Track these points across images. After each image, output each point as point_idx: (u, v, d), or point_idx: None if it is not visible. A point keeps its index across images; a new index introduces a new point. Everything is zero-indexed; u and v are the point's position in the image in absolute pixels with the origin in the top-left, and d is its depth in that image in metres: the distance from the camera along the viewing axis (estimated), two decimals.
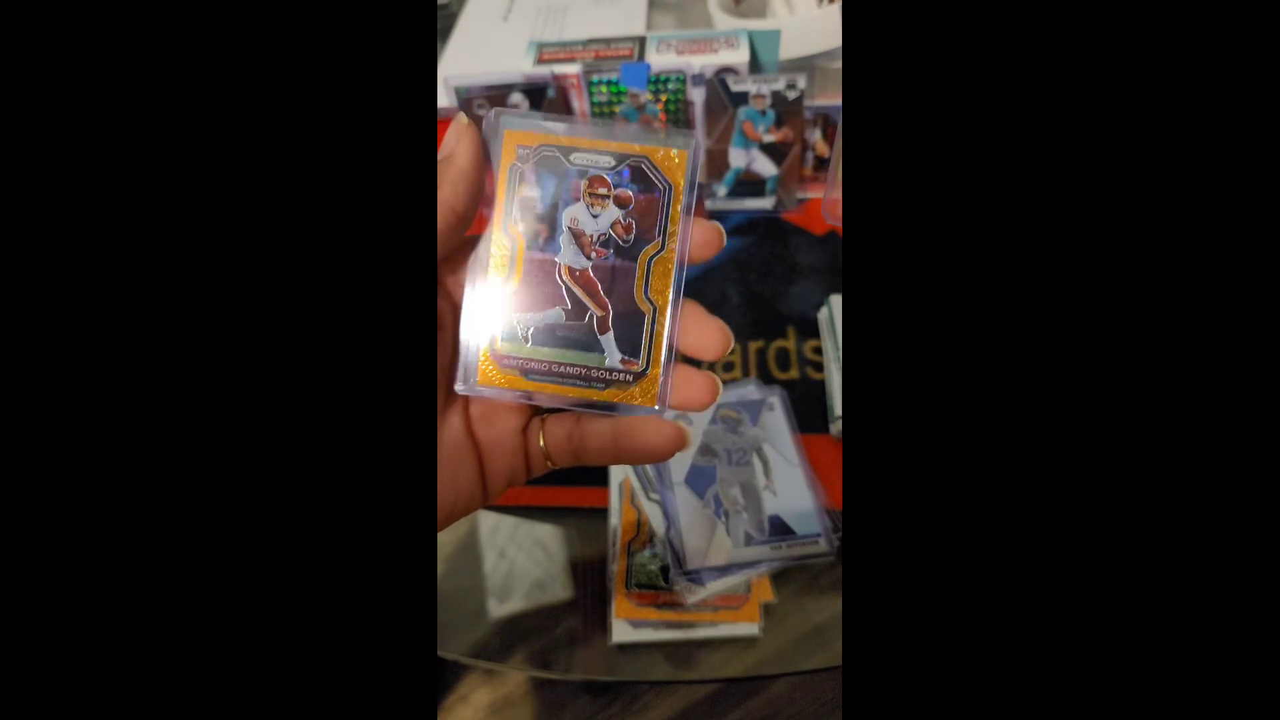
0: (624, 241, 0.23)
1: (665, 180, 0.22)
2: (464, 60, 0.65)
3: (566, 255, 0.23)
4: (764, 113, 0.49)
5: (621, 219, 0.23)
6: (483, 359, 0.23)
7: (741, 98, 0.49)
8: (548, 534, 0.42)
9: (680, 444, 0.24)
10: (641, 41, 0.52)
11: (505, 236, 0.23)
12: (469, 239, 0.23)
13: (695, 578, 0.37)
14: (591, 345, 0.23)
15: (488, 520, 0.43)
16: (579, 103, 0.51)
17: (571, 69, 0.50)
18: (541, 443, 0.25)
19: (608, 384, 0.23)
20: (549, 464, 0.25)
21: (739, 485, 0.39)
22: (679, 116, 0.51)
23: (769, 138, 0.50)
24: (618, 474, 0.42)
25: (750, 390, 0.43)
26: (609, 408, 0.23)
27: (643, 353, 0.23)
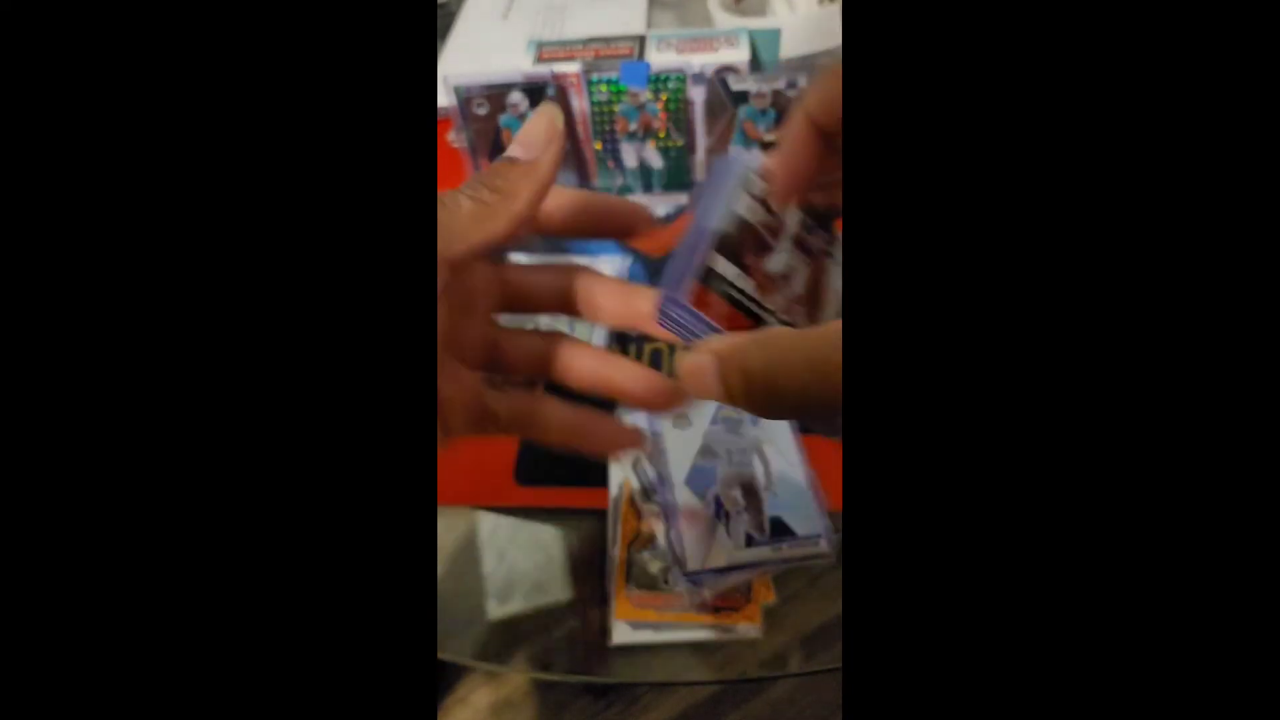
0: None
1: None
2: (463, 59, 0.65)
3: None
4: (764, 111, 0.49)
5: None
6: None
7: (742, 96, 0.49)
8: (548, 536, 0.42)
9: (634, 446, 0.26)
10: (641, 40, 0.52)
11: None
12: None
13: (695, 579, 0.37)
14: None
15: (487, 522, 0.43)
16: (579, 101, 0.51)
17: (571, 68, 0.49)
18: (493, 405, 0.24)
19: None
20: (495, 427, 0.25)
21: (739, 486, 0.39)
22: (679, 115, 0.51)
23: (769, 137, 0.50)
24: (617, 475, 0.42)
25: None
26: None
27: None
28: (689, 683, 0.37)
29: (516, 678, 0.95)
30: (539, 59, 0.51)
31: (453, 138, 0.55)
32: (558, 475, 0.41)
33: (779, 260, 0.28)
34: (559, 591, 0.40)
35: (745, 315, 0.25)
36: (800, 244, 0.28)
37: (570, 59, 0.51)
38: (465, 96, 0.49)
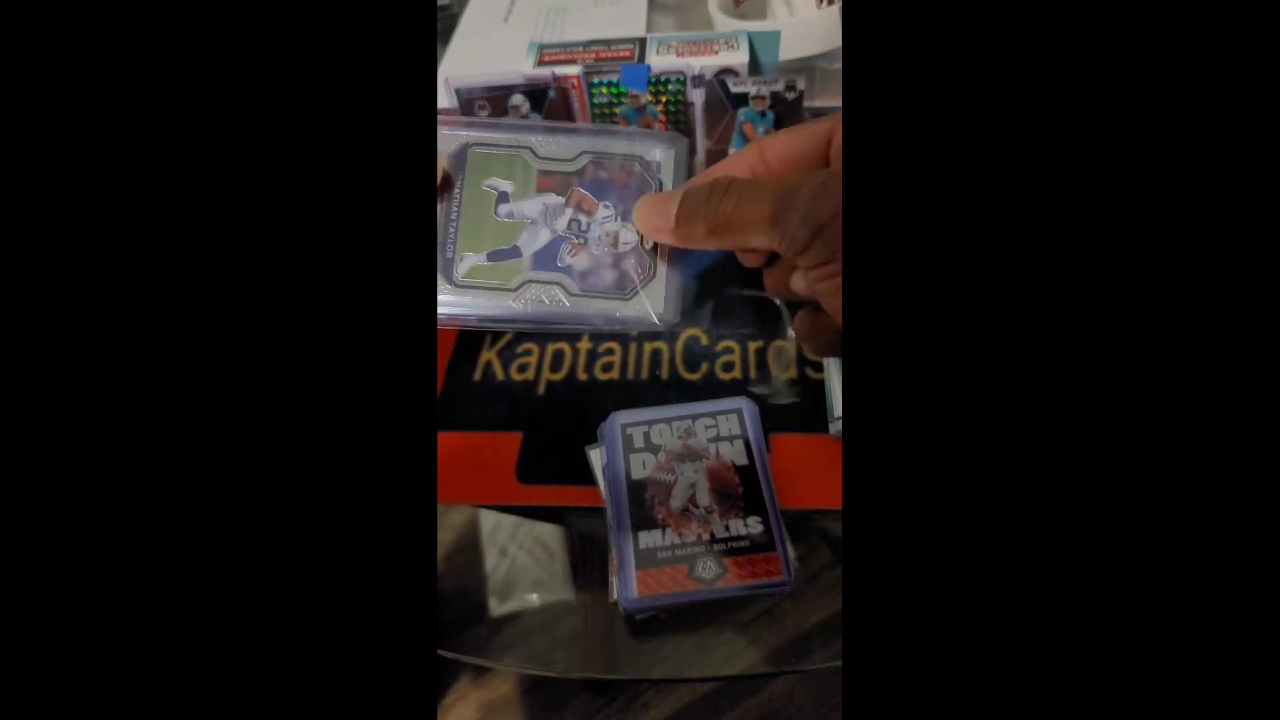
0: None
1: None
2: (465, 61, 0.65)
3: None
4: (764, 114, 0.50)
5: None
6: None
7: (741, 99, 0.49)
8: (549, 533, 0.42)
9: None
10: (642, 43, 0.52)
11: None
12: None
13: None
14: None
15: (489, 520, 0.43)
16: (580, 104, 0.51)
17: (572, 70, 0.50)
18: None
19: None
20: None
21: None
22: (679, 118, 0.51)
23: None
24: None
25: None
26: None
27: None
28: (688, 680, 0.37)
29: (517, 675, 0.95)
30: (540, 61, 0.52)
31: None
32: (560, 474, 0.42)
33: (679, 493, 0.37)
34: (559, 589, 0.40)
35: (683, 562, 0.34)
36: (685, 457, 0.37)
37: (571, 61, 0.51)
38: (467, 98, 0.50)
